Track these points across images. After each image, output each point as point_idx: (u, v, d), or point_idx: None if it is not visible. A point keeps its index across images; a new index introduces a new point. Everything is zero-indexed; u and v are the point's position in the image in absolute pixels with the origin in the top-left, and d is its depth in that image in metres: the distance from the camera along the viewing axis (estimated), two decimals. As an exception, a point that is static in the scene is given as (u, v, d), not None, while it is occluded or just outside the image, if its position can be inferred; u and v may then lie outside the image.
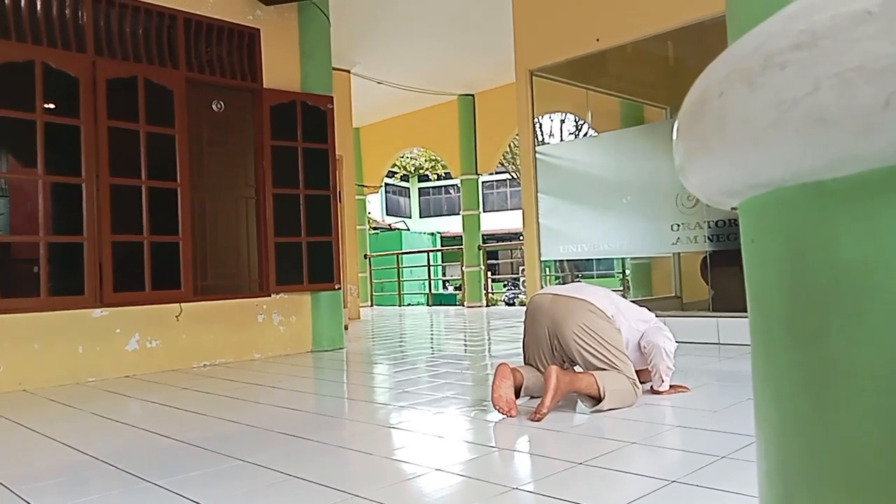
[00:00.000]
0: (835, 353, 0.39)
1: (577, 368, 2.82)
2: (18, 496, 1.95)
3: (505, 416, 2.65)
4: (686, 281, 5.77)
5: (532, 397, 2.84)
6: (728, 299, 4.86)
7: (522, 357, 2.96)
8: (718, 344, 4.61)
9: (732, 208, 0.52)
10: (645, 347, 2.90)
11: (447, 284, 19.23)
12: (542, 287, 5.67)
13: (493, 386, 2.67)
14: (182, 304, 4.67)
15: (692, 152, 0.47)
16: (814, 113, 0.35)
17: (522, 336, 2.96)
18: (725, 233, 4.73)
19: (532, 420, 2.56)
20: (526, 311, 2.95)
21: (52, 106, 4.23)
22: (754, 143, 0.39)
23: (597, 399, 2.65)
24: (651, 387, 2.98)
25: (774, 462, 0.46)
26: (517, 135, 6.23)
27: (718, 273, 4.99)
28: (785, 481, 0.45)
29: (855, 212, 0.37)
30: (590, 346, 2.69)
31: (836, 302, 0.38)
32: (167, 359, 4.61)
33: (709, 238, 4.82)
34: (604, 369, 2.68)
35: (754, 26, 0.40)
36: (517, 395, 2.73)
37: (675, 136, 0.51)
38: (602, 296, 2.85)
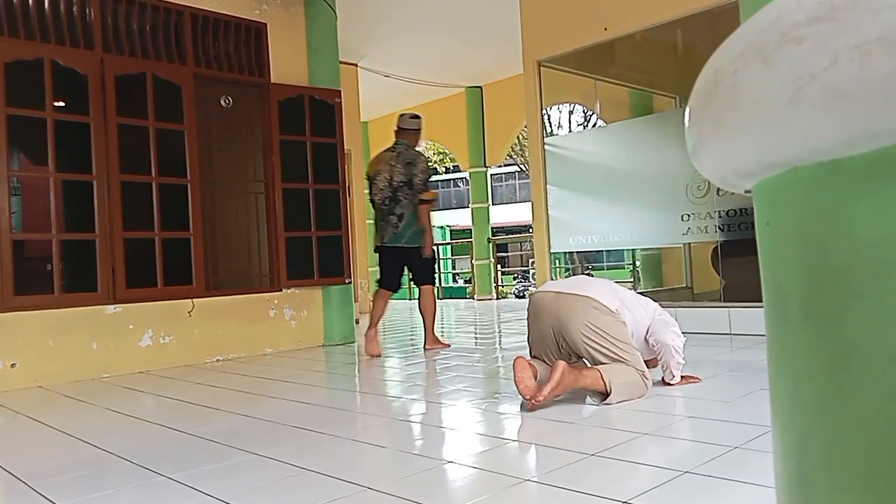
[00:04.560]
0: (854, 336, 0.38)
1: (586, 361, 2.81)
2: (36, 491, 1.97)
3: (525, 409, 2.65)
4: (697, 271, 5.73)
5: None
6: (739, 289, 4.83)
7: (529, 352, 2.96)
8: (730, 334, 4.59)
9: (746, 191, 0.51)
10: (654, 346, 2.90)
11: (457, 277, 19.23)
12: (551, 279, 5.66)
13: (516, 378, 2.66)
14: (194, 300, 4.70)
15: (705, 133, 0.46)
16: (832, 88, 0.34)
17: (527, 333, 2.96)
18: (736, 222, 4.69)
19: (529, 404, 2.57)
20: (528, 309, 2.94)
21: (61, 103, 4.25)
22: (770, 120, 0.38)
23: (604, 394, 2.64)
24: (662, 379, 2.97)
25: (792, 448, 0.45)
26: (525, 126, 6.20)
27: (729, 263, 4.96)
28: (803, 467, 0.44)
29: (873, 190, 0.36)
30: (598, 342, 2.68)
31: (855, 283, 0.38)
32: (180, 354, 4.64)
33: (719, 228, 4.78)
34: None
35: (768, 2, 0.39)
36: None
37: (687, 119, 0.50)
38: (606, 290, 2.82)
